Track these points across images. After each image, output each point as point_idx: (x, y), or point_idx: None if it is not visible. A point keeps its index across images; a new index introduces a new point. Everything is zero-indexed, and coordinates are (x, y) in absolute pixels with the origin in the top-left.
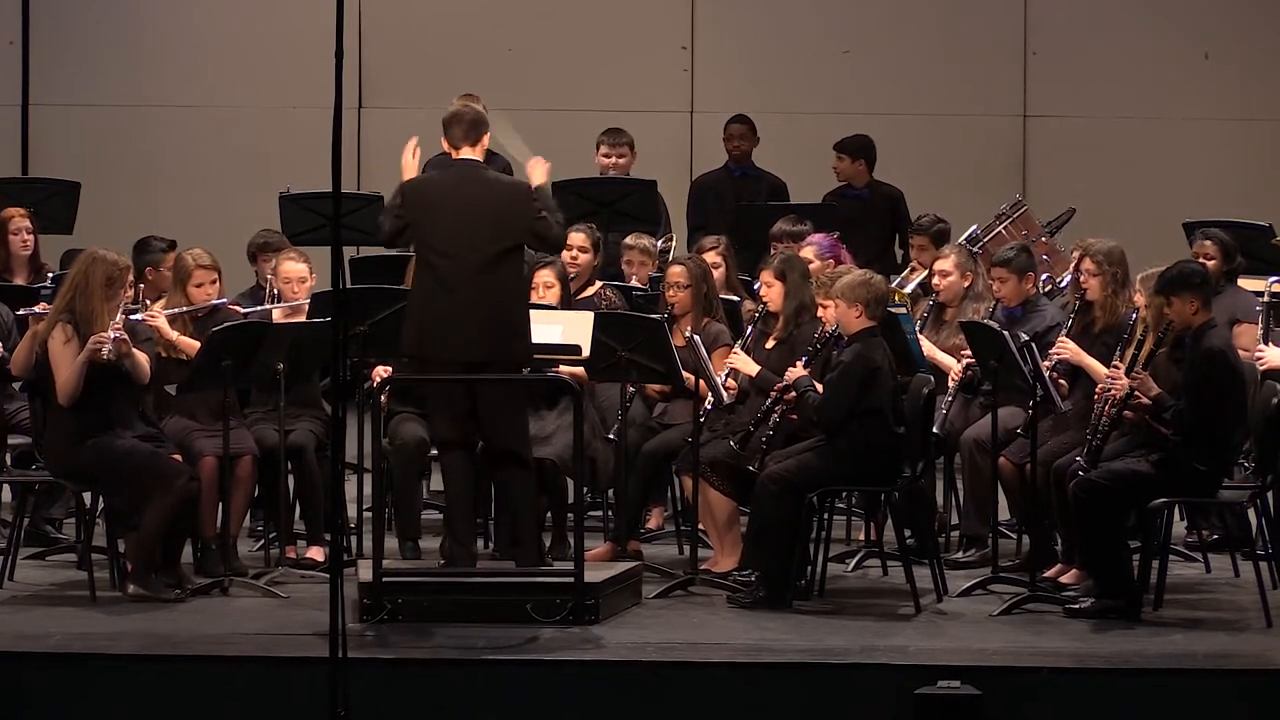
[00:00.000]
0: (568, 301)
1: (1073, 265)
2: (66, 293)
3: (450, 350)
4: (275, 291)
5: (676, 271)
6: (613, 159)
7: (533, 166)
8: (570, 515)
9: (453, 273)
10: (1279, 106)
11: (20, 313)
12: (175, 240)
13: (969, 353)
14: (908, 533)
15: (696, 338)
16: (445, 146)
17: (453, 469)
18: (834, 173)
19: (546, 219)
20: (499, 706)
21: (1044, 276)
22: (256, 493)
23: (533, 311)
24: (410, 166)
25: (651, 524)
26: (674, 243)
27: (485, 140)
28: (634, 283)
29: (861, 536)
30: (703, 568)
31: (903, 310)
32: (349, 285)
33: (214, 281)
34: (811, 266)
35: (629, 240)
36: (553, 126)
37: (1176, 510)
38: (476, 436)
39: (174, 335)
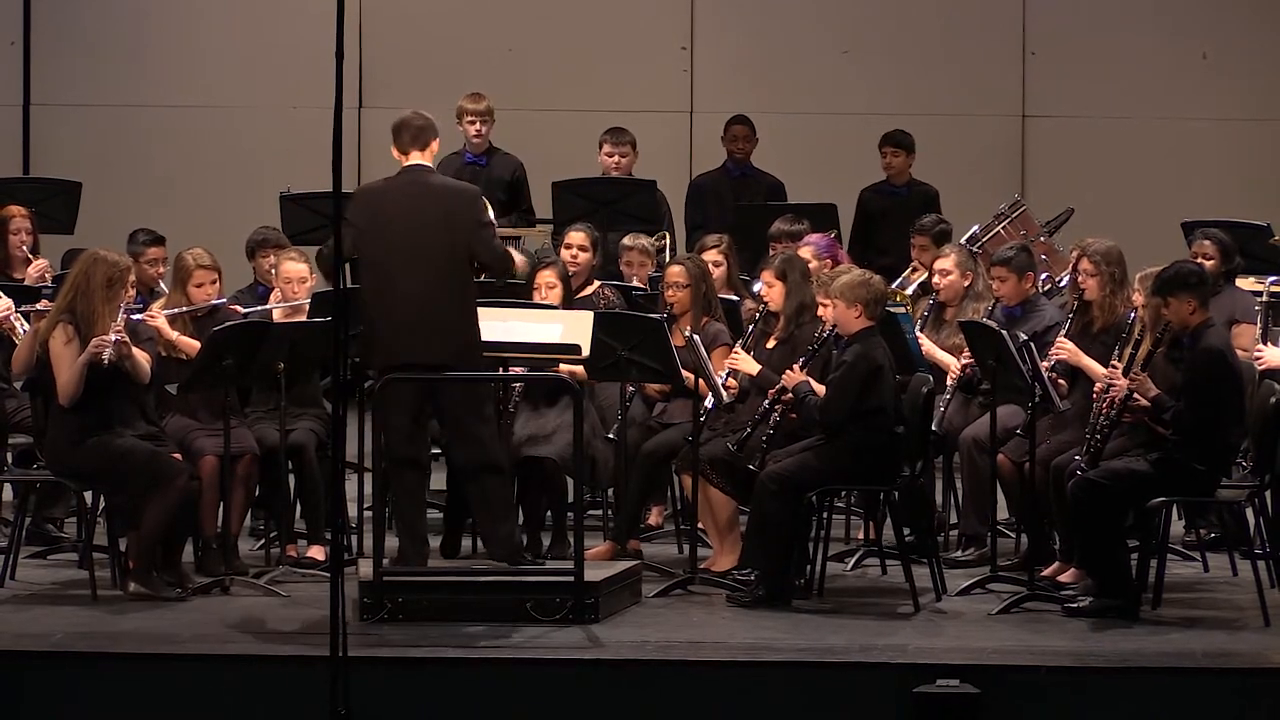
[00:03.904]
0: (568, 301)
1: (1071, 265)
2: (67, 293)
3: (400, 356)
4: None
5: (675, 271)
6: (615, 158)
7: None
8: (570, 514)
9: (400, 278)
10: (1276, 106)
11: (22, 310)
12: (162, 236)
13: (969, 353)
14: (907, 532)
15: (696, 337)
16: (395, 154)
17: (408, 490)
18: (884, 168)
19: (488, 235)
20: (499, 705)
21: (1043, 276)
22: (257, 492)
23: (533, 310)
24: None
25: (651, 523)
26: (666, 241)
27: (434, 146)
28: (634, 283)
29: (861, 535)
30: (702, 567)
31: (902, 310)
32: (349, 285)
33: (214, 282)
34: (810, 266)
35: (627, 240)
36: (553, 126)
37: (1175, 509)
38: (428, 454)
39: (174, 335)
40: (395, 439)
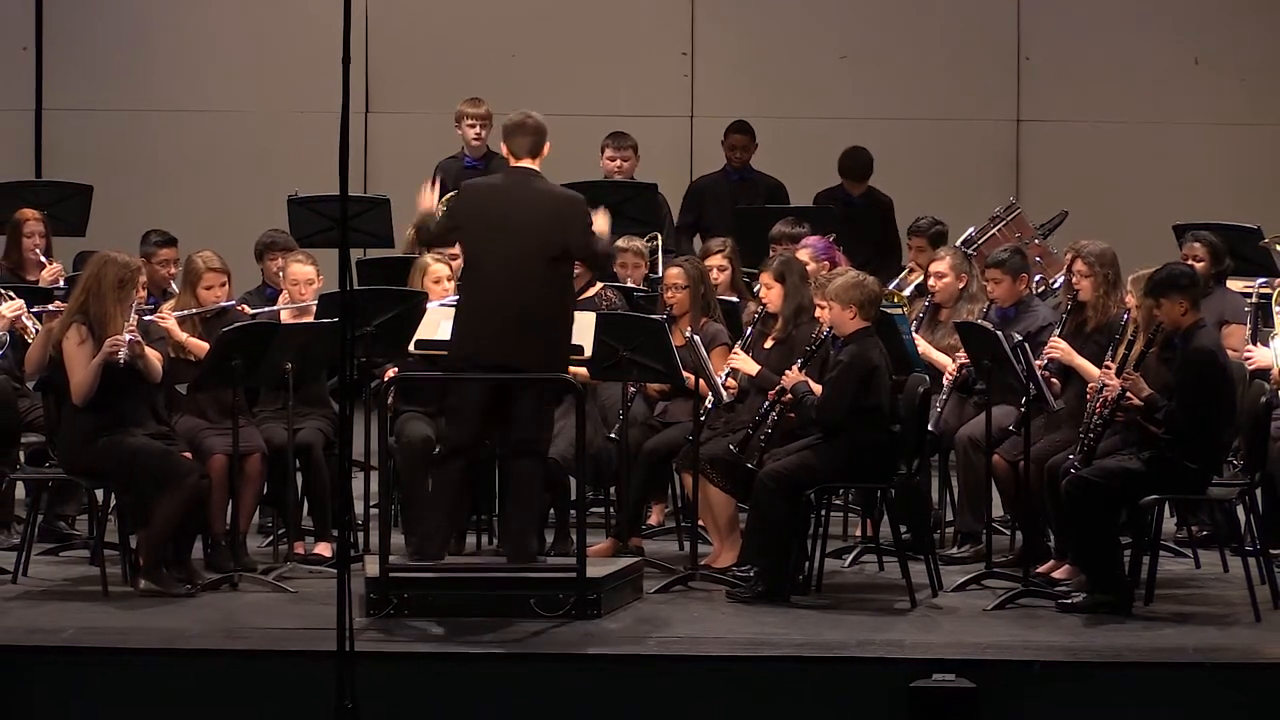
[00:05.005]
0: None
1: (1065, 266)
2: (80, 295)
3: (487, 354)
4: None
5: (674, 273)
6: (617, 162)
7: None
8: (573, 512)
9: (499, 278)
10: (1267, 110)
11: (35, 310)
12: (175, 237)
13: (964, 353)
14: (903, 529)
15: (696, 338)
16: (505, 152)
17: (449, 479)
18: (848, 192)
19: (595, 235)
20: (502, 699)
21: (1036, 278)
22: (265, 490)
23: None
24: (428, 199)
25: (652, 520)
26: (658, 241)
27: (545, 152)
28: (629, 284)
29: (858, 532)
30: (703, 563)
31: (898, 311)
32: (356, 287)
33: (223, 284)
34: (808, 268)
35: (620, 243)
36: (555, 130)
37: (1167, 507)
38: (485, 449)
39: (183, 336)
40: (460, 430)
